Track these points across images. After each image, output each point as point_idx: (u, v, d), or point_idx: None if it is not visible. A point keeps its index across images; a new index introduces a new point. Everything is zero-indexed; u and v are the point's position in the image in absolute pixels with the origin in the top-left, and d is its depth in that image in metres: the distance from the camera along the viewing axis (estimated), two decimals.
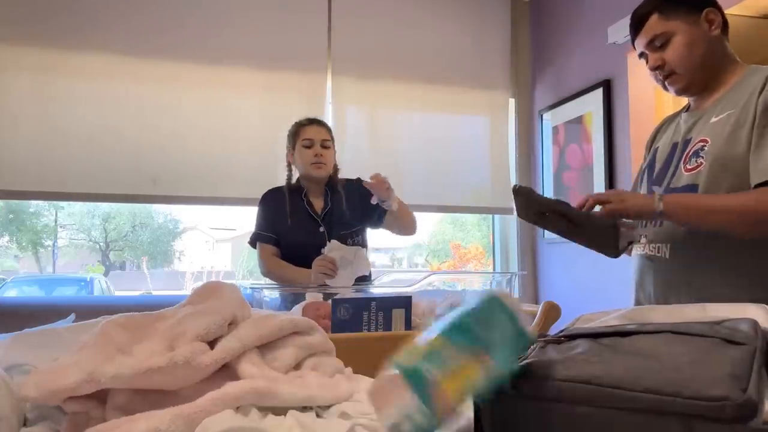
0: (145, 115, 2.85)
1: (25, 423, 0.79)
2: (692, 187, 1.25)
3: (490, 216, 3.63)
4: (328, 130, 2.19)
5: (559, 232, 1.34)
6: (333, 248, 1.97)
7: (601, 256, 1.33)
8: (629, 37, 2.78)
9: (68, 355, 0.86)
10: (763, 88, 1.19)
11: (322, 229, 2.11)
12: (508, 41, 3.50)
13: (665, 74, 1.33)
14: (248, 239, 2.21)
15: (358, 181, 2.19)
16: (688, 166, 1.28)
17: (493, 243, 3.63)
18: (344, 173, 3.19)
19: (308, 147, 2.11)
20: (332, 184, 2.21)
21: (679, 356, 0.61)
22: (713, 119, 1.27)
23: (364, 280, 2.04)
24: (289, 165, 2.22)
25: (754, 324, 0.66)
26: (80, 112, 2.77)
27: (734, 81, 1.29)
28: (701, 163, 1.25)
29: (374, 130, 3.20)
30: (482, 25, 3.45)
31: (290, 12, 3.08)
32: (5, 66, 2.68)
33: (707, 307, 0.82)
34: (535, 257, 3.44)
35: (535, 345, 0.73)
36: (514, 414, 0.64)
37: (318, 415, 0.85)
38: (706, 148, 1.25)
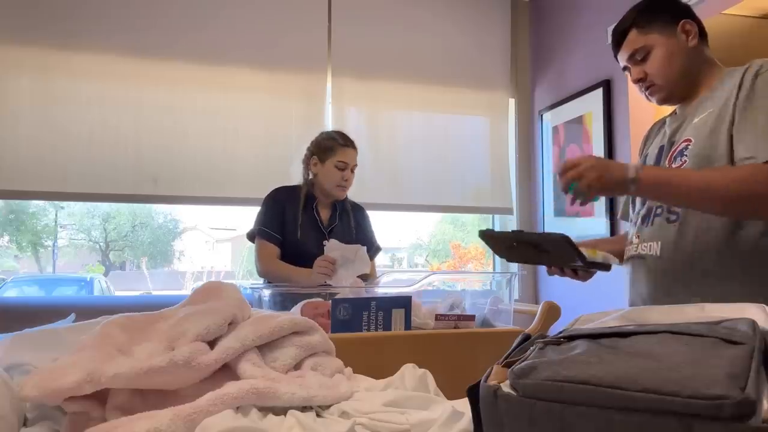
0: (145, 115, 2.85)
1: (25, 423, 0.79)
2: None
3: (490, 216, 3.63)
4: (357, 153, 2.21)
5: (535, 262, 1.42)
6: (333, 248, 1.97)
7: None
8: None
9: (68, 355, 0.86)
10: (740, 85, 1.22)
11: (326, 242, 2.12)
12: (508, 41, 3.50)
13: (647, 86, 1.37)
14: (247, 232, 2.19)
15: (361, 209, 2.30)
16: (673, 165, 1.30)
17: None
18: None
19: (341, 169, 2.12)
20: (342, 200, 2.23)
21: (677, 356, 0.61)
22: (695, 120, 1.30)
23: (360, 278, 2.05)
24: (306, 170, 2.20)
25: (753, 324, 0.67)
26: (80, 112, 2.77)
27: (714, 83, 1.32)
28: (685, 161, 1.28)
29: (374, 131, 3.20)
30: (482, 25, 3.45)
31: (290, 12, 3.08)
32: (6, 66, 2.68)
33: (706, 307, 0.83)
34: None
35: (534, 346, 0.74)
36: (513, 414, 0.64)
37: (318, 415, 0.85)
38: (689, 147, 1.28)
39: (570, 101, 3.13)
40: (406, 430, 0.80)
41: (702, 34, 1.37)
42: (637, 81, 1.38)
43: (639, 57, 1.36)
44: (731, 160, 1.21)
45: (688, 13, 1.37)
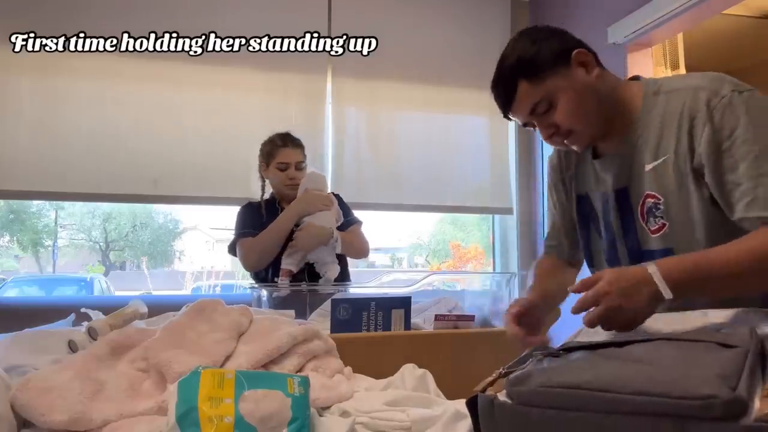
0: (145, 115, 2.85)
1: (25, 423, 0.79)
2: (667, 251, 1.10)
3: (490, 216, 3.63)
4: (302, 149, 2.14)
5: None
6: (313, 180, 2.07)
7: None
8: (629, 37, 2.76)
9: (58, 371, 0.86)
10: (691, 133, 1.04)
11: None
12: (508, 41, 3.49)
13: (563, 137, 1.14)
14: (228, 246, 2.14)
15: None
16: (652, 228, 1.12)
17: (493, 243, 3.63)
18: (344, 173, 3.18)
19: (282, 170, 2.08)
20: None
21: (670, 359, 0.61)
22: (648, 168, 1.11)
23: (344, 279, 2.05)
24: (262, 178, 2.17)
25: (751, 329, 0.66)
26: (80, 112, 2.76)
27: (637, 108, 1.13)
28: (664, 224, 1.10)
29: (374, 131, 3.20)
30: (482, 25, 3.45)
31: (290, 12, 3.08)
32: (5, 66, 2.68)
33: (709, 313, 0.82)
34: (535, 257, 3.44)
35: (532, 357, 0.74)
36: (509, 423, 0.64)
37: (319, 414, 0.86)
38: (661, 207, 1.10)
39: None
40: (407, 427, 0.80)
41: (596, 58, 1.15)
42: (550, 136, 1.14)
43: (542, 110, 1.12)
44: (709, 219, 1.03)
45: (575, 42, 1.15)
